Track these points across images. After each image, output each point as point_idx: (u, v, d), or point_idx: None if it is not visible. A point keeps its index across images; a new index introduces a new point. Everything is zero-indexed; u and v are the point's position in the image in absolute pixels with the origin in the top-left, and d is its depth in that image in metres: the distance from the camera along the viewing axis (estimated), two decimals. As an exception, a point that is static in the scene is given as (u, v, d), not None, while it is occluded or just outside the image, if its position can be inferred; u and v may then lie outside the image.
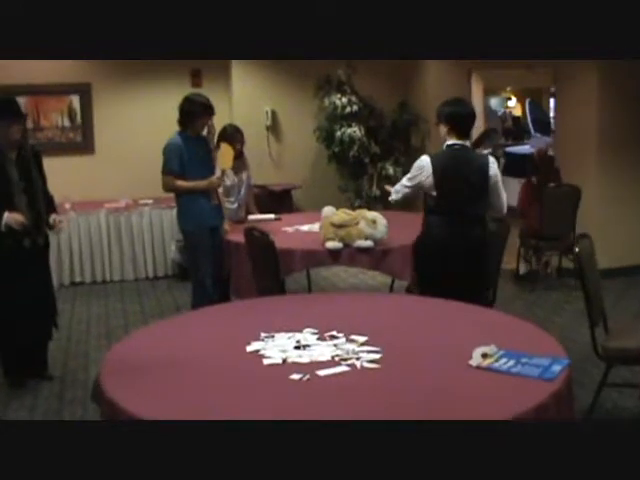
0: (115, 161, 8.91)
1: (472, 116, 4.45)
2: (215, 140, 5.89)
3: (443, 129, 4.37)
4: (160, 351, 3.04)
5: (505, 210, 4.52)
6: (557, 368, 2.63)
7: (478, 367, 2.67)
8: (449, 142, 4.36)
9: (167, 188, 5.52)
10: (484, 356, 2.75)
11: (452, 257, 4.32)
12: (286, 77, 9.19)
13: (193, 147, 5.48)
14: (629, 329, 4.22)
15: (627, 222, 7.54)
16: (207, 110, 5.53)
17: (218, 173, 5.60)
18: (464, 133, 4.37)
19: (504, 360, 2.72)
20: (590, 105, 7.39)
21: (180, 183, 5.45)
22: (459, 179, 4.30)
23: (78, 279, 8.01)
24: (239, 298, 5.53)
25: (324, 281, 7.68)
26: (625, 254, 7.36)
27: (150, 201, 8.32)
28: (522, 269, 7.45)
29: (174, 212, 7.03)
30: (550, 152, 7.79)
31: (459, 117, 4.35)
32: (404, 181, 4.49)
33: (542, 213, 7.02)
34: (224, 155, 5.68)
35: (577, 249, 3.86)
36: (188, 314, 4.03)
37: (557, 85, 8.05)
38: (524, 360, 2.71)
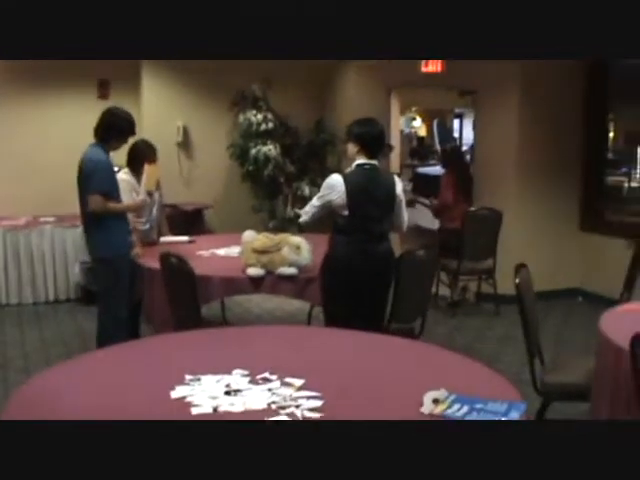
0: (14, 175, 8.37)
1: (382, 136, 4.50)
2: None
3: (353, 148, 4.38)
4: (67, 399, 2.64)
5: (405, 228, 4.63)
6: (515, 414, 2.41)
7: (431, 415, 2.43)
8: (359, 161, 4.38)
9: (97, 208, 4.92)
10: (435, 402, 2.51)
11: (359, 274, 4.34)
12: (199, 91, 8.88)
13: (113, 166, 5.10)
14: (566, 363, 4.10)
15: (546, 245, 7.55)
16: (133, 129, 5.16)
17: (142, 196, 5.24)
18: (374, 153, 4.40)
19: (457, 406, 2.48)
20: (510, 130, 7.38)
21: (112, 204, 5.00)
22: (370, 198, 4.34)
23: (-30, 302, 7.43)
24: (152, 325, 5.20)
25: (238, 307, 7.35)
26: (545, 279, 7.33)
27: (52, 219, 7.84)
28: (454, 295, 7.26)
29: (78, 231, 6.62)
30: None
31: (369, 137, 4.38)
32: (314, 201, 4.49)
33: (462, 236, 6.92)
34: (150, 175, 5.33)
35: (517, 280, 3.70)
36: (99, 352, 3.63)
37: (476, 108, 8.00)
38: (478, 406, 2.48)
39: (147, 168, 5.38)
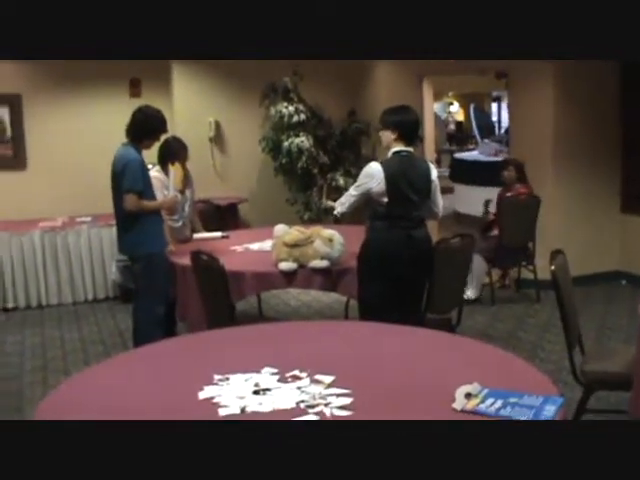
0: (49, 176, 8.42)
1: (418, 123, 4.52)
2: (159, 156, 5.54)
3: (390, 136, 4.38)
4: (98, 400, 2.63)
5: (441, 214, 4.66)
6: (551, 409, 2.32)
7: (463, 411, 2.36)
8: (396, 149, 4.38)
9: (133, 208, 4.94)
10: (467, 396, 2.43)
11: (400, 260, 4.32)
12: (230, 86, 8.84)
13: (145, 165, 5.10)
14: (607, 351, 3.99)
15: (587, 229, 7.40)
16: (164, 127, 5.16)
17: (173, 193, 5.23)
18: (410, 140, 4.42)
19: (490, 400, 2.40)
20: (545, 112, 7.24)
21: (146, 203, 5.01)
22: (408, 184, 4.33)
23: (11, 305, 7.51)
24: (186, 323, 5.19)
25: (275, 299, 7.34)
26: (586, 262, 7.18)
27: (88, 219, 7.89)
28: (472, 293, 6.94)
29: (113, 230, 6.62)
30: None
31: (407, 125, 4.39)
32: (351, 191, 4.47)
33: (500, 224, 6.81)
34: (176, 175, 5.33)
35: (553, 267, 3.59)
36: (132, 352, 3.63)
37: (510, 91, 7.86)
38: (513, 400, 2.40)
39: (173, 169, 5.35)
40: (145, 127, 5.06)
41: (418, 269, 4.38)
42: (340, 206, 4.50)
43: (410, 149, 4.41)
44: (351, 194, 4.44)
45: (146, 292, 5.16)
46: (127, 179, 4.92)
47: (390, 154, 4.40)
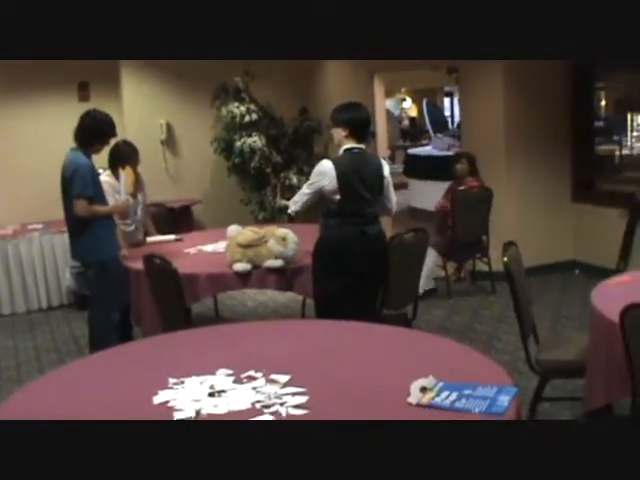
0: (-2, 183, 8.27)
1: (369, 120, 4.52)
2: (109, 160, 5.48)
3: (341, 133, 4.37)
4: (52, 409, 2.58)
5: (394, 210, 4.66)
6: (505, 399, 2.34)
7: (418, 405, 2.36)
8: (347, 146, 4.37)
9: (83, 213, 4.88)
10: (423, 390, 2.44)
11: (355, 256, 4.30)
12: (180, 87, 8.78)
13: (94, 170, 5.03)
14: (561, 340, 4.05)
15: (539, 219, 7.49)
16: (113, 130, 5.09)
17: (124, 197, 5.17)
18: (362, 137, 4.41)
19: (445, 393, 2.42)
20: (495, 105, 7.31)
21: (97, 208, 4.95)
22: (361, 181, 4.33)
23: (-38, 315, 7.36)
24: (141, 327, 5.13)
25: (231, 300, 7.30)
26: (540, 253, 7.27)
27: (40, 225, 7.77)
28: (426, 285, 6.77)
29: (66, 236, 6.53)
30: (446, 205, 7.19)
31: (358, 122, 4.38)
32: (304, 189, 4.45)
33: (454, 216, 6.85)
34: (127, 179, 5.26)
35: (505, 258, 3.63)
36: (85, 359, 3.57)
37: (460, 85, 7.92)
38: (467, 392, 2.41)
39: (124, 172, 5.29)
40: (94, 131, 4.99)
41: (372, 265, 4.37)
42: (294, 205, 4.47)
43: (362, 146, 4.40)
44: (304, 192, 4.42)
45: (100, 298, 5.11)
46: (77, 184, 4.85)
47: (341, 151, 4.40)
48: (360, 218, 4.35)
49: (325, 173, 4.29)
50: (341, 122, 4.36)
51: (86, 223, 4.94)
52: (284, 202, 4.78)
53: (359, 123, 4.38)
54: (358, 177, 4.32)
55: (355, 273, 4.33)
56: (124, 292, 5.06)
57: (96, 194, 4.96)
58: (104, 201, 5.07)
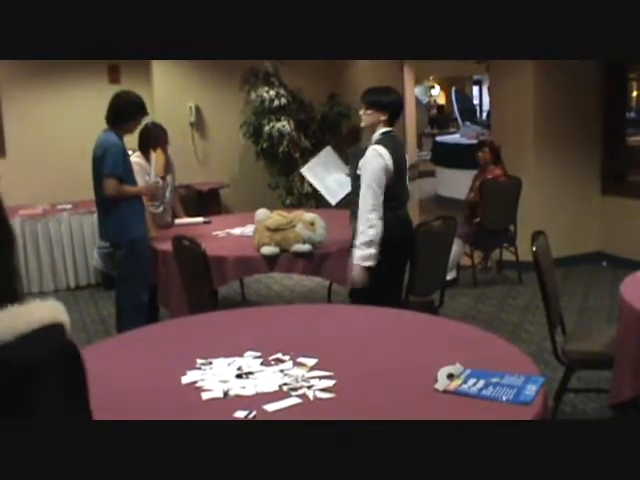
0: (29, 164, 8.35)
1: (403, 103, 4.54)
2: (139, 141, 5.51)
3: (379, 117, 4.20)
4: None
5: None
6: (532, 388, 2.34)
7: (445, 391, 2.37)
8: (385, 129, 4.22)
9: (113, 192, 4.91)
10: (450, 377, 2.44)
11: (403, 248, 4.20)
12: (210, 70, 8.79)
13: (126, 150, 5.07)
14: (588, 331, 4.02)
15: (567, 211, 7.43)
16: (144, 110, 5.11)
17: (155, 179, 5.20)
18: (395, 121, 4.32)
19: (472, 381, 2.42)
20: (526, 94, 7.25)
21: (127, 188, 4.99)
22: (403, 165, 4.25)
23: (-8, 293, 7.43)
24: (167, 308, 5.17)
25: (257, 283, 7.33)
26: (567, 244, 7.22)
27: (69, 206, 7.82)
28: (449, 275, 6.60)
29: (94, 217, 6.60)
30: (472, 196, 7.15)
31: (396, 106, 4.29)
32: (369, 192, 4.02)
33: (482, 205, 6.82)
34: (158, 161, 5.29)
35: (534, 248, 3.61)
36: (112, 339, 3.61)
37: (491, 74, 7.87)
38: (494, 380, 2.42)
39: (155, 155, 5.32)
40: (123, 112, 5.02)
41: (405, 251, 4.29)
42: (375, 213, 4.04)
43: (393, 129, 4.30)
44: (374, 195, 4.03)
45: (129, 279, 5.14)
46: (107, 163, 4.89)
47: (378, 135, 4.21)
48: (399, 203, 4.26)
49: (384, 158, 4.07)
50: (383, 106, 4.19)
51: (115, 203, 4.98)
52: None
53: (399, 107, 4.34)
54: (403, 160, 4.26)
55: (404, 264, 4.27)
56: (151, 273, 5.10)
57: (126, 174, 4.99)
58: (134, 182, 5.10)
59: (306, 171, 4.67)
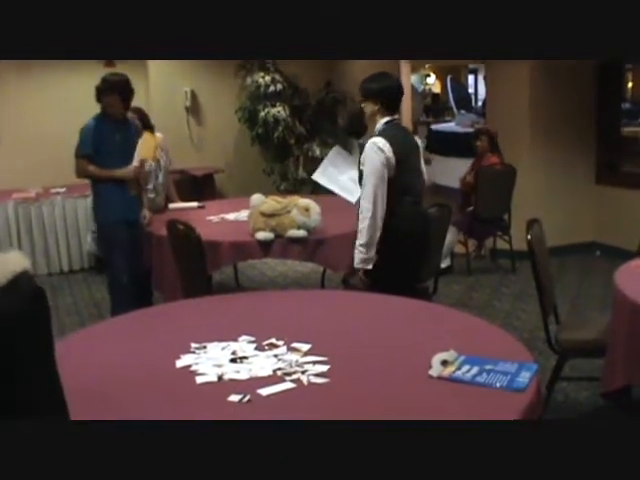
0: (22, 148, 8.32)
1: (401, 90, 4.15)
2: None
3: (372, 107, 4.04)
4: (75, 371, 2.61)
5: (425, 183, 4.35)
6: (526, 375, 2.35)
7: (439, 377, 2.38)
8: (386, 118, 4.03)
9: (79, 173, 5.08)
10: (444, 363, 2.45)
11: (419, 240, 4.07)
12: (205, 55, 8.74)
13: (111, 132, 5.04)
14: (582, 320, 4.03)
15: (562, 200, 7.44)
16: (108, 89, 5.02)
17: (136, 162, 5.17)
18: (395, 108, 4.09)
19: (466, 367, 2.43)
20: (521, 83, 7.25)
21: (93, 169, 5.02)
22: (411, 154, 4.08)
23: (-16, 276, 7.41)
24: (162, 293, 5.17)
25: (251, 269, 7.33)
26: (561, 233, 7.23)
27: (62, 190, 7.80)
28: (443, 262, 6.56)
29: (88, 201, 6.61)
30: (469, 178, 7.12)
31: (389, 92, 4.04)
32: (369, 187, 3.90)
33: (477, 193, 6.83)
34: (145, 143, 5.26)
35: (529, 236, 3.61)
36: (105, 323, 3.60)
37: (487, 64, 7.85)
38: (488, 367, 2.42)
39: (144, 136, 5.30)
40: (101, 90, 5.06)
41: (422, 242, 4.17)
42: (370, 212, 3.90)
43: (397, 117, 4.12)
44: (372, 189, 3.89)
45: (105, 262, 5.38)
46: (78, 145, 5.04)
47: (380, 125, 4.04)
48: (414, 194, 4.09)
49: (383, 150, 3.90)
50: (371, 94, 4.02)
51: (93, 185, 5.16)
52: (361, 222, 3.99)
53: (391, 94, 4.04)
54: (409, 148, 4.07)
55: (418, 258, 4.13)
56: (138, 256, 5.10)
57: (102, 156, 5.02)
58: (118, 164, 5.08)
59: (318, 176, 4.55)
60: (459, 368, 2.42)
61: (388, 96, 4.03)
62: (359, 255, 3.96)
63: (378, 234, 3.92)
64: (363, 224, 3.91)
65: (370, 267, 3.97)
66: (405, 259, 4.03)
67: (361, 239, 3.93)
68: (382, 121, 4.05)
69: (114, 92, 5.03)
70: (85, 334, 3.17)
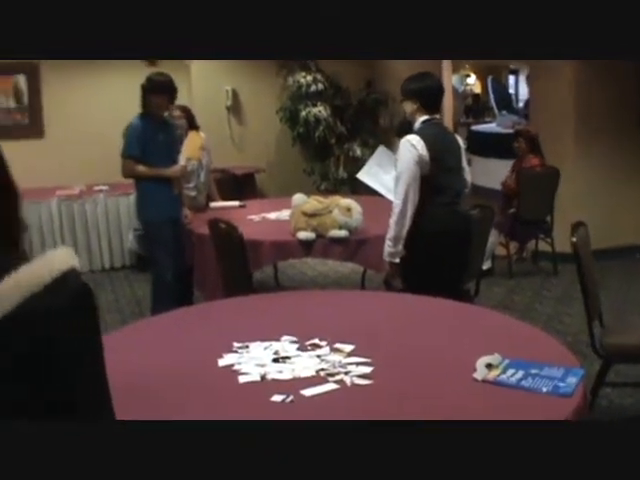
0: (67, 145, 8.43)
1: (441, 89, 4.15)
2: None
3: (412, 106, 4.02)
4: (118, 368, 2.63)
5: (469, 185, 4.30)
6: (573, 381, 2.31)
7: (484, 381, 2.35)
8: (424, 117, 4.00)
9: (127, 173, 5.11)
10: (489, 367, 2.42)
11: (455, 241, 4.01)
12: (247, 54, 8.78)
13: (155, 132, 5.08)
14: (627, 324, 3.96)
15: (605, 202, 7.33)
16: (156, 89, 5.06)
17: (182, 161, 5.21)
18: (435, 108, 4.06)
19: (511, 371, 2.39)
20: (566, 84, 7.15)
21: (141, 169, 5.06)
22: (449, 153, 4.04)
23: (28, 272, 7.51)
24: (203, 291, 5.20)
25: (291, 269, 7.34)
26: (604, 236, 7.12)
27: (105, 187, 7.88)
28: (485, 264, 6.55)
29: (131, 199, 6.66)
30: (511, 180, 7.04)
31: (429, 92, 4.02)
32: (403, 188, 3.86)
33: (519, 195, 6.75)
34: (190, 143, 5.30)
35: (574, 239, 3.56)
36: (147, 321, 3.63)
37: (531, 64, 7.75)
38: (534, 371, 2.39)
39: (190, 135, 5.35)
40: (142, 92, 5.11)
41: (464, 249, 4.12)
42: (400, 208, 3.88)
43: (437, 116, 4.09)
44: (407, 184, 3.85)
45: (150, 260, 5.36)
46: (124, 145, 5.07)
47: (420, 124, 4.00)
48: (451, 194, 4.02)
49: (417, 148, 3.86)
50: (410, 94, 4.00)
51: (138, 184, 5.19)
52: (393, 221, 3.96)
53: (430, 93, 4.01)
54: (447, 148, 4.02)
55: (450, 258, 4.02)
56: (181, 255, 5.13)
57: (147, 155, 5.05)
58: (162, 163, 5.12)
59: (363, 175, 4.55)
60: (504, 372, 2.39)
61: (427, 96, 4.01)
62: (387, 249, 3.98)
63: (404, 230, 3.91)
64: (392, 219, 3.92)
65: (397, 261, 3.97)
66: (438, 260, 3.98)
67: (389, 233, 3.95)
68: (420, 120, 4.02)
69: (163, 93, 5.07)
70: (127, 332, 3.19)
